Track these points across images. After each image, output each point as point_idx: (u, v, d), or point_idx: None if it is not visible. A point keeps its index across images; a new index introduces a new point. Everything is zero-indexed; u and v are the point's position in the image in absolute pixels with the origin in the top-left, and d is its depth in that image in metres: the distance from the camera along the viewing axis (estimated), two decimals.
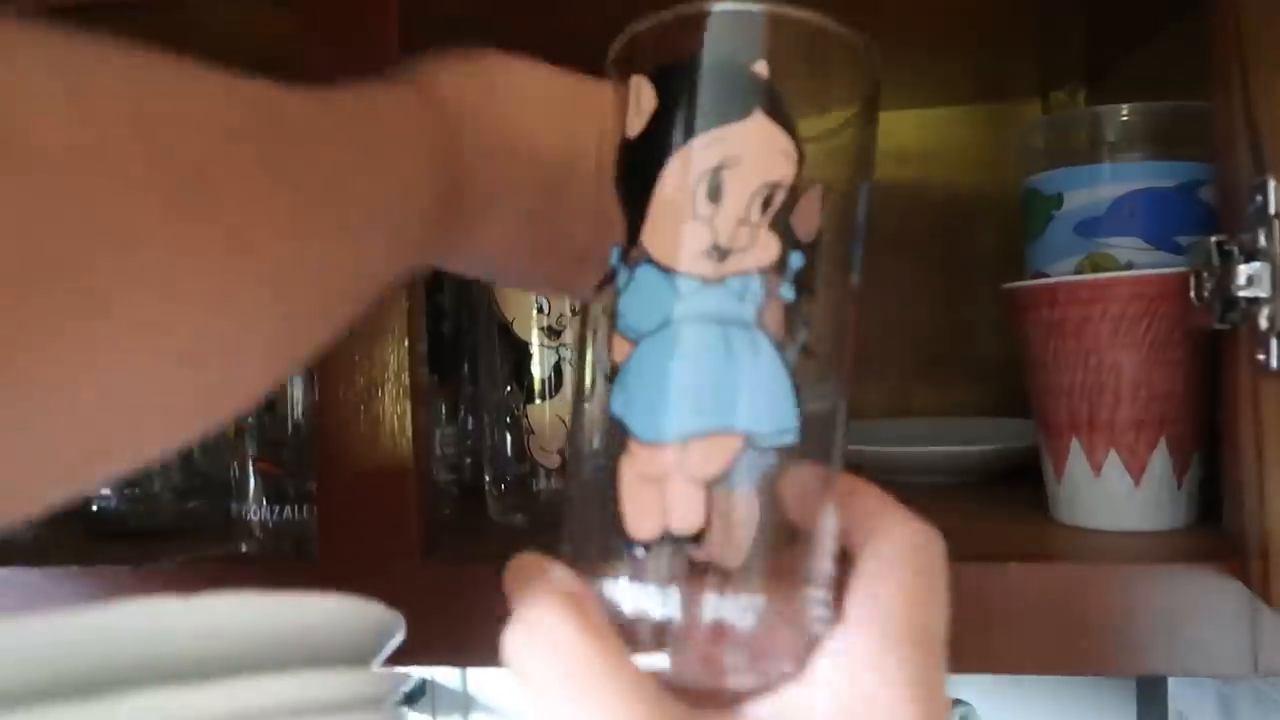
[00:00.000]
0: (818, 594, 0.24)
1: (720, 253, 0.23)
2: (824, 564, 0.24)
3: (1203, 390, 0.42)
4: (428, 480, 0.44)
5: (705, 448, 0.23)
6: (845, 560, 0.25)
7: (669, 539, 0.22)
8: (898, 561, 0.24)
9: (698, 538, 0.22)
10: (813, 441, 0.24)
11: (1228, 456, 0.39)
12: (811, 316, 0.24)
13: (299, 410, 0.50)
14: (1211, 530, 0.41)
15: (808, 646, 0.23)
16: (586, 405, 0.25)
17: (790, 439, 0.23)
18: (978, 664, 0.38)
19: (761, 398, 0.23)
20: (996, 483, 0.56)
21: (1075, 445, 0.44)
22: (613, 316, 0.24)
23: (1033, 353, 0.45)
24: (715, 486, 0.23)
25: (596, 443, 0.24)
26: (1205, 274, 0.37)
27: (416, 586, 0.41)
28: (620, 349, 0.24)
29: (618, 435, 0.23)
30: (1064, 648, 0.38)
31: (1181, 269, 0.40)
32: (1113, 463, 0.43)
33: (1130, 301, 0.42)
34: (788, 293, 0.24)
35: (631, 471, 0.23)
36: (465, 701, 0.79)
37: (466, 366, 0.60)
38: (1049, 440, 0.45)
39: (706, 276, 0.23)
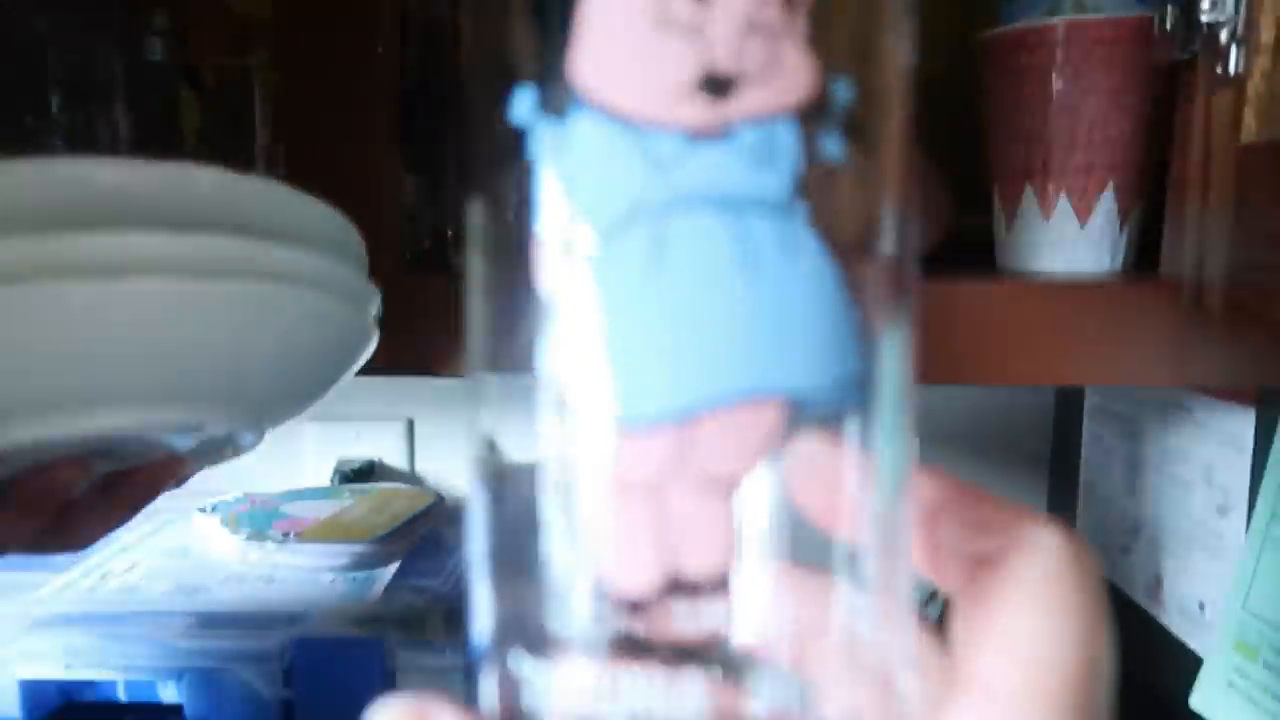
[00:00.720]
0: (902, 641, 0.16)
1: (720, 84, 0.14)
2: (900, 594, 0.16)
3: (1151, 137, 0.45)
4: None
5: (728, 427, 0.14)
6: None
7: (680, 590, 0.14)
8: (1036, 596, 0.16)
9: (721, 581, 0.14)
10: (872, 397, 0.15)
11: (1172, 196, 0.42)
12: (870, 186, 0.15)
13: None
14: (1150, 274, 0.45)
15: None
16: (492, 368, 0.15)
17: (852, 397, 0.15)
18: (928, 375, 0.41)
19: (810, 333, 0.14)
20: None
21: (1028, 190, 0.46)
22: (530, 208, 0.14)
23: (997, 104, 0.47)
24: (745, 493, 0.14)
25: (530, 435, 0.15)
26: (1169, 11, 0.39)
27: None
28: (553, 270, 0.14)
29: (570, 421, 0.14)
30: (1004, 358, 0.41)
31: (1146, 12, 0.42)
32: (1062, 205, 0.45)
33: (1095, 45, 0.43)
34: (834, 149, 0.14)
35: (603, 480, 0.14)
36: (413, 481, 0.81)
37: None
38: (1003, 192, 0.47)
39: (699, 127, 0.14)
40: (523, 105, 0.15)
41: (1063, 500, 0.68)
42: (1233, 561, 0.46)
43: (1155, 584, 0.53)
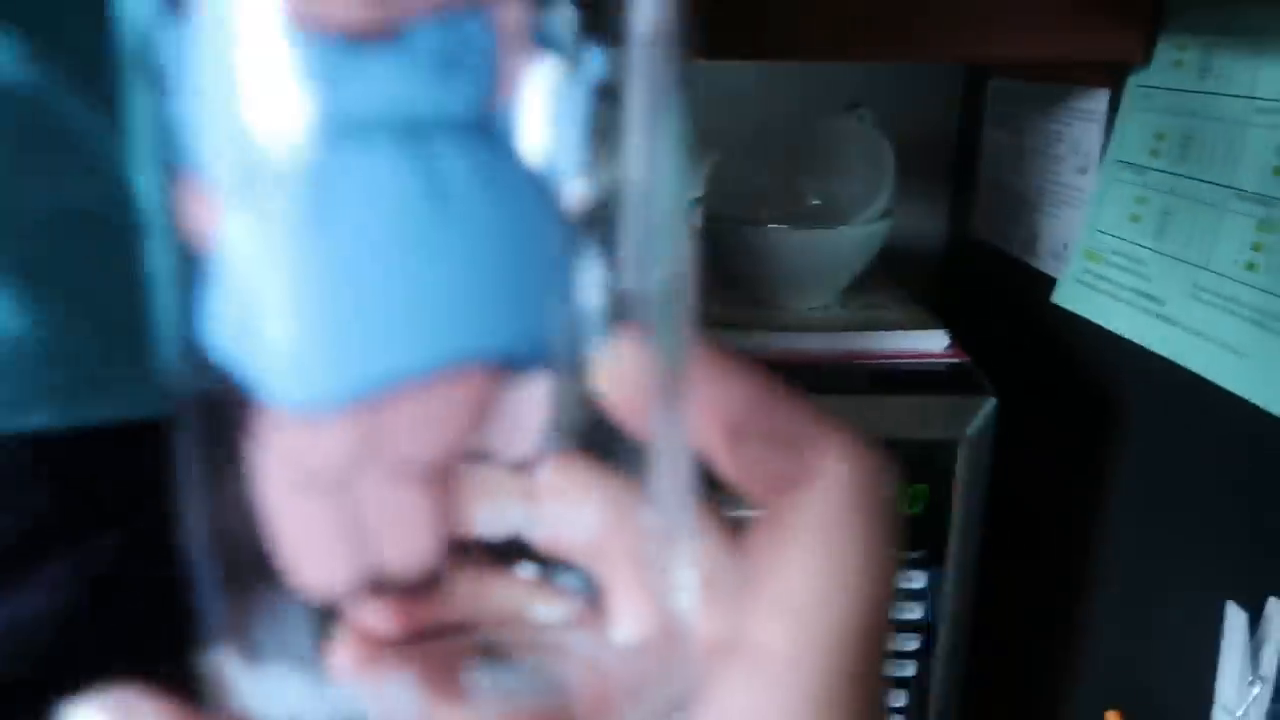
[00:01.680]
0: (679, 551, 0.15)
1: None
2: (676, 498, 0.14)
3: None
4: None
5: (422, 404, 0.12)
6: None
7: (381, 588, 0.12)
8: (815, 545, 0.15)
9: (429, 578, 0.12)
10: (638, 318, 0.13)
11: None
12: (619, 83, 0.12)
13: None
14: None
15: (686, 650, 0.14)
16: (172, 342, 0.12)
17: (585, 347, 0.12)
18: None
19: (517, 280, 0.12)
20: None
21: None
22: (160, 143, 0.11)
23: None
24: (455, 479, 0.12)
25: (184, 420, 0.12)
26: None
27: None
28: (196, 212, 0.11)
29: (231, 405, 0.12)
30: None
31: None
32: None
33: None
34: (554, 36, 0.11)
35: (277, 472, 0.12)
36: None
37: None
38: None
39: (362, 28, 0.11)
40: (139, 3, 0.11)
41: (964, 183, 0.79)
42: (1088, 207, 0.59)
43: (1032, 238, 0.67)
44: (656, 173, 0.13)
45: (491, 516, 0.13)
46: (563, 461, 0.13)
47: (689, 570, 0.15)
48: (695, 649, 0.15)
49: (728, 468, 0.16)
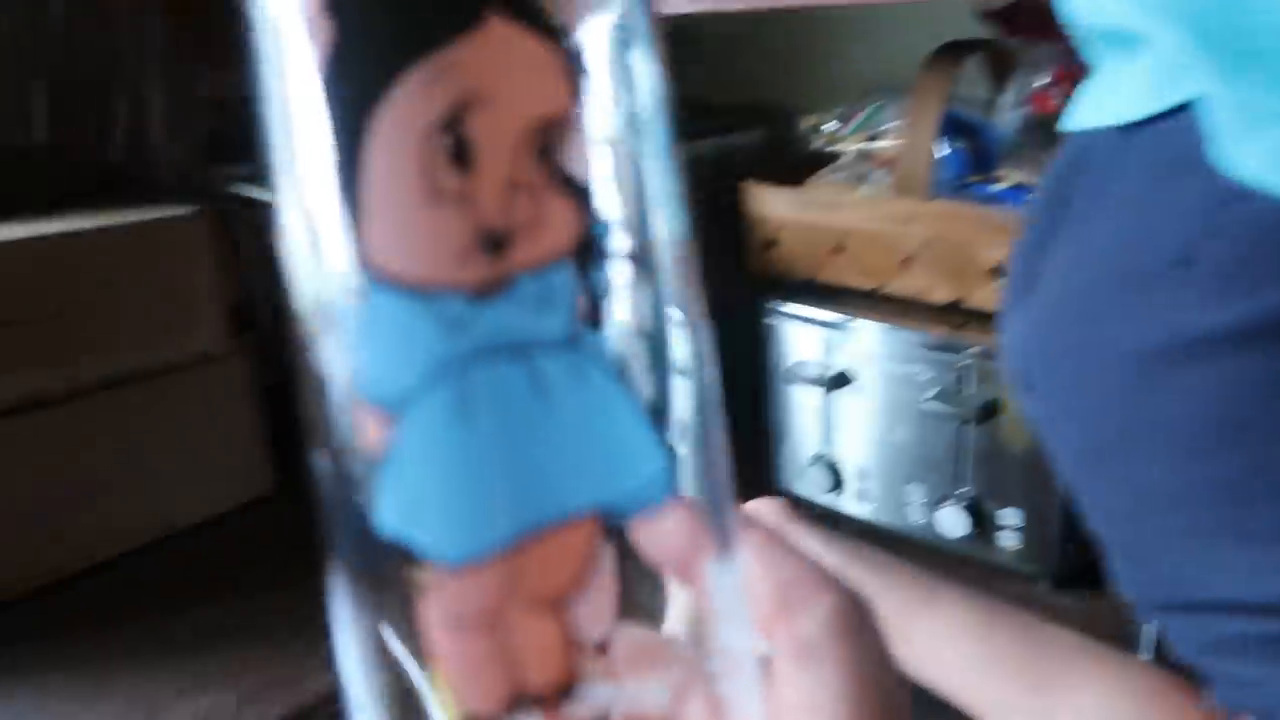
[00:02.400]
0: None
1: (495, 241, 0.15)
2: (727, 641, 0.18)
3: None
4: None
5: (549, 547, 0.16)
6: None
7: (528, 702, 0.16)
8: (804, 655, 0.19)
9: (566, 690, 0.16)
10: (690, 474, 0.17)
11: None
12: (643, 298, 0.17)
13: None
14: None
15: None
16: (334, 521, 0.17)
17: (663, 491, 0.16)
18: None
19: (612, 448, 0.16)
20: None
21: None
22: (338, 380, 0.16)
23: None
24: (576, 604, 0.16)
25: (357, 586, 0.16)
26: None
27: None
28: (368, 429, 0.16)
29: (400, 564, 0.16)
30: None
31: None
32: None
33: None
34: (602, 281, 0.16)
35: (441, 615, 0.16)
36: None
37: None
38: None
39: (483, 285, 0.15)
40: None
41: None
42: None
43: None
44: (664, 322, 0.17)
45: (581, 699, 0.16)
46: (631, 633, 0.17)
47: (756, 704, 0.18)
48: None
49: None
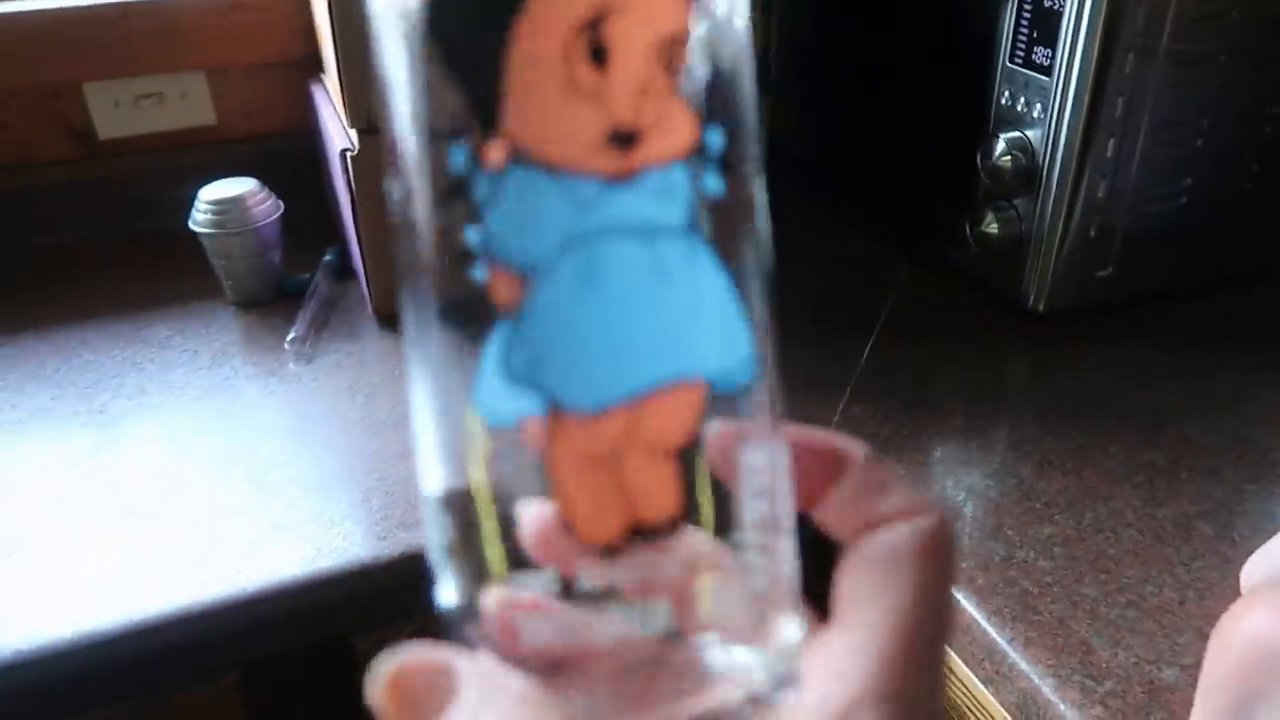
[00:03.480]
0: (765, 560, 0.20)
1: (625, 137, 0.18)
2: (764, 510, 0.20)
3: None
4: None
5: (664, 404, 0.18)
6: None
7: (641, 533, 0.18)
8: (897, 558, 0.20)
9: (674, 525, 0.18)
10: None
11: None
12: (739, 208, 0.19)
13: None
14: None
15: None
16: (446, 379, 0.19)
17: (750, 375, 0.19)
18: None
19: (715, 327, 0.18)
20: None
21: None
22: (475, 243, 0.18)
23: None
24: (685, 453, 0.18)
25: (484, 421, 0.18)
26: None
27: None
28: (505, 287, 0.18)
29: (532, 409, 0.18)
30: None
31: None
32: None
33: None
34: (713, 184, 0.18)
35: (569, 455, 0.18)
36: None
37: None
38: None
39: (612, 174, 0.18)
40: (457, 157, 0.18)
41: None
42: None
43: None
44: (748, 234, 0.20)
45: (685, 536, 0.19)
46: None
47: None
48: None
49: (822, 512, 0.22)
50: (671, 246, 0.18)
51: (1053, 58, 0.70)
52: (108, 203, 0.97)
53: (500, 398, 0.18)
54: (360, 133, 0.76)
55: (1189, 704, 0.52)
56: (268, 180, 0.86)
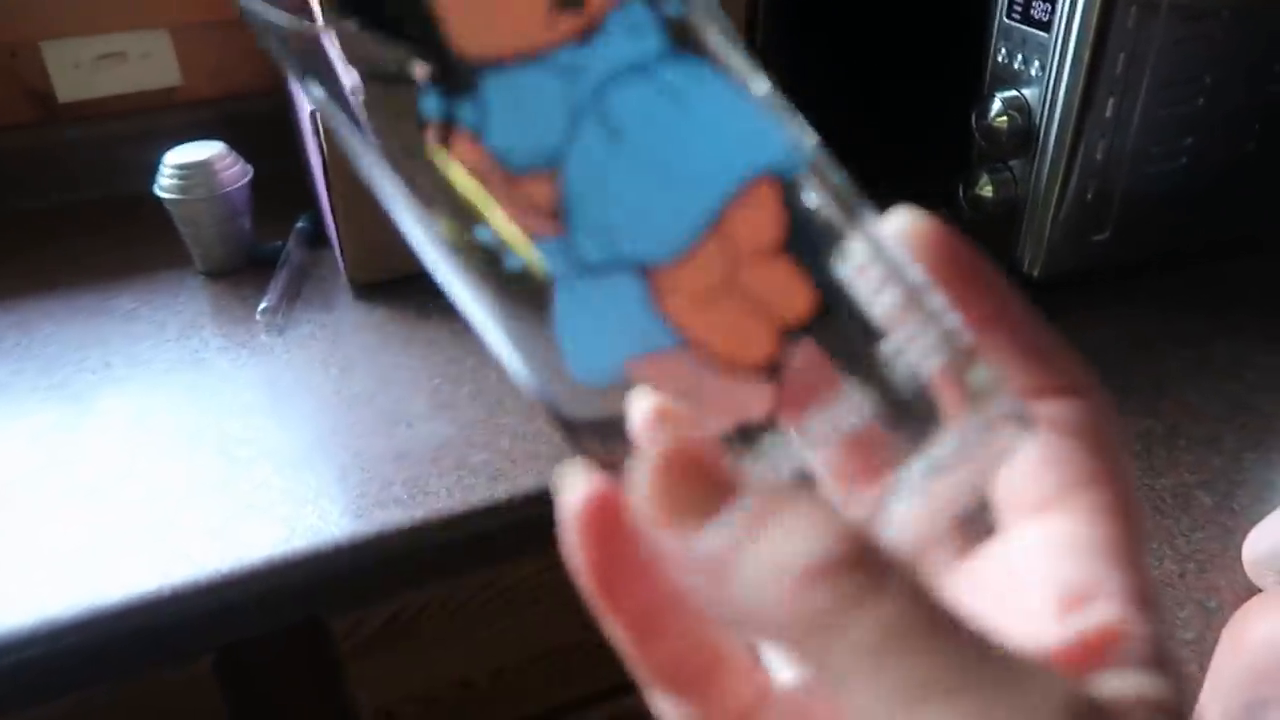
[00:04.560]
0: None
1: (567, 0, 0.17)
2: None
3: None
4: None
5: (742, 206, 0.17)
6: None
7: (791, 334, 0.17)
8: (1086, 433, 0.19)
9: (821, 317, 0.18)
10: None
11: None
12: (706, 19, 0.18)
13: None
14: None
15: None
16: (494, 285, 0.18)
17: (802, 151, 0.18)
18: None
19: (747, 124, 0.18)
20: None
21: None
22: (481, 160, 0.17)
23: None
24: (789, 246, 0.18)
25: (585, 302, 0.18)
26: None
27: None
28: (538, 199, 0.17)
29: (630, 349, 0.18)
30: None
31: None
32: None
33: None
34: (673, 5, 0.18)
35: (686, 299, 0.17)
36: None
37: None
38: None
39: (574, 35, 0.17)
40: (427, 99, 0.17)
41: None
42: None
43: None
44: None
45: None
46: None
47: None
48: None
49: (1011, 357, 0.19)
50: (668, 72, 0.18)
51: (1052, 12, 0.68)
52: (69, 168, 0.94)
53: (594, 356, 0.18)
54: None
55: (1191, 681, 0.51)
56: (236, 143, 0.83)
